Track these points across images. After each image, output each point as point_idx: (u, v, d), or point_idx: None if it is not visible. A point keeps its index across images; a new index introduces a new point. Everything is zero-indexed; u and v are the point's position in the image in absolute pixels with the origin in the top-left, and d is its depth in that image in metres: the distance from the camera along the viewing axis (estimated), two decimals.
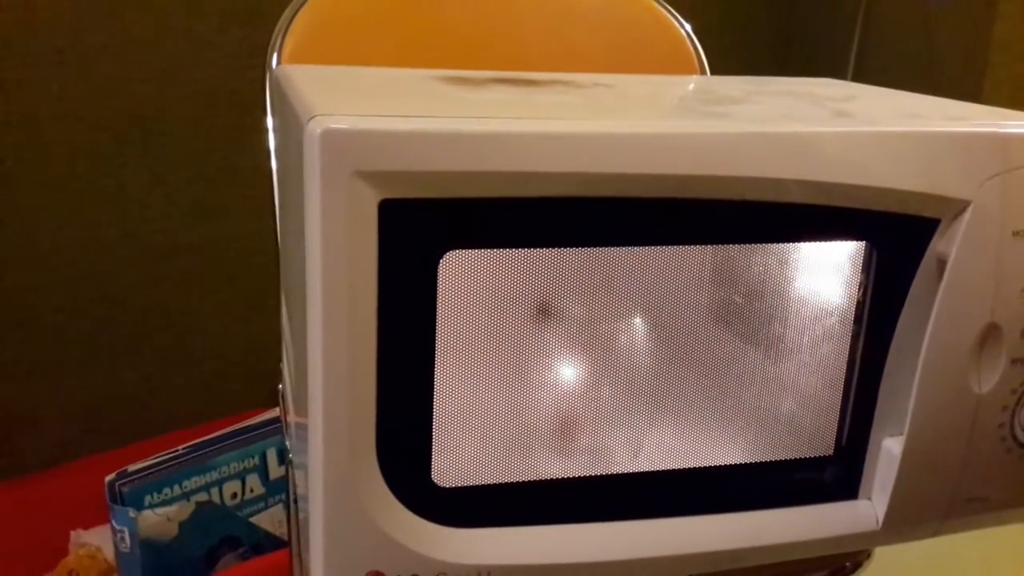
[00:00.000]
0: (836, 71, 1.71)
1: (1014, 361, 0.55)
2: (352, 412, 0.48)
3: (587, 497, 0.54)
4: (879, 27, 1.66)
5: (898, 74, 1.63)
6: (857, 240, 0.54)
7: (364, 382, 0.48)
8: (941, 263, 0.53)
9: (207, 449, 1.08)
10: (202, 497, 1.08)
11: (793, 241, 0.54)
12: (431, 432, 0.50)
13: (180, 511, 1.04)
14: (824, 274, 0.56)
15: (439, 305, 0.48)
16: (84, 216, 1.38)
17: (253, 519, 1.11)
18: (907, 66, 1.61)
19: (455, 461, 0.51)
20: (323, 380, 0.47)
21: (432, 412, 0.50)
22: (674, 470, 0.55)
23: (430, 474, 0.51)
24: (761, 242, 0.54)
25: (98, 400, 1.43)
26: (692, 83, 0.79)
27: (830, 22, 1.76)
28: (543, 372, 0.54)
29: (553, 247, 0.50)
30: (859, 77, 1.67)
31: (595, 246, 0.51)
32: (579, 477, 0.54)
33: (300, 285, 0.50)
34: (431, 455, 0.50)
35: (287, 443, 0.85)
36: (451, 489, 0.51)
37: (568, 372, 0.55)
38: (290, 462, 0.83)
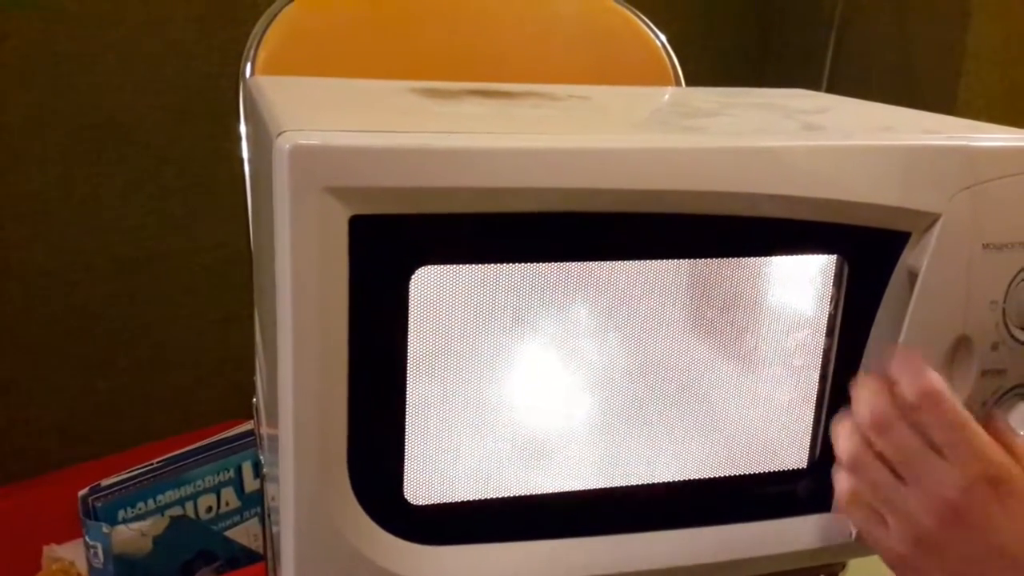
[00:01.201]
0: (811, 80, 1.72)
1: (984, 373, 0.55)
2: (323, 430, 0.47)
3: (559, 513, 0.54)
4: (854, 36, 1.67)
5: (873, 83, 1.64)
6: (829, 253, 0.54)
7: (335, 399, 0.47)
8: (912, 276, 0.53)
9: (182, 462, 1.07)
10: (177, 511, 1.07)
11: (766, 255, 0.55)
12: (403, 449, 0.50)
13: (154, 526, 1.03)
14: (796, 287, 0.56)
15: (411, 321, 0.48)
16: (57, 226, 1.36)
17: (228, 533, 1.10)
18: (882, 75, 1.63)
19: (427, 478, 0.51)
20: (294, 397, 0.47)
21: (404, 429, 0.50)
22: (647, 485, 0.55)
23: (402, 491, 0.50)
24: (734, 256, 0.54)
25: (71, 412, 1.41)
26: (667, 95, 0.79)
27: (806, 31, 1.78)
28: (516, 388, 0.54)
29: (526, 262, 0.50)
30: (834, 86, 1.69)
31: (569, 261, 0.51)
32: (551, 493, 0.54)
33: (271, 299, 0.49)
34: (403, 472, 0.50)
35: (261, 456, 0.84)
36: (423, 507, 0.51)
37: (541, 388, 0.54)
38: (264, 475, 0.82)
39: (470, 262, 0.49)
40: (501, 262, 0.50)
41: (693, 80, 0.98)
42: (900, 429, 0.47)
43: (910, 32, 1.55)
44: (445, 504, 0.52)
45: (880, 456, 0.48)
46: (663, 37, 0.98)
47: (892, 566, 0.49)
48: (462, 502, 0.52)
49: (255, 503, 1.12)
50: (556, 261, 0.50)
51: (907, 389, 0.47)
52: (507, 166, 0.46)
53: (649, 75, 0.97)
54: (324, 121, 0.48)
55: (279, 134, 0.44)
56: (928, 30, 1.52)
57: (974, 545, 0.46)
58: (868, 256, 0.54)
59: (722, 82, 0.85)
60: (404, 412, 0.49)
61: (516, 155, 0.46)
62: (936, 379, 0.47)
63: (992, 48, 1.48)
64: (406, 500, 0.51)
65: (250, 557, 1.11)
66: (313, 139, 0.43)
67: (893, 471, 0.48)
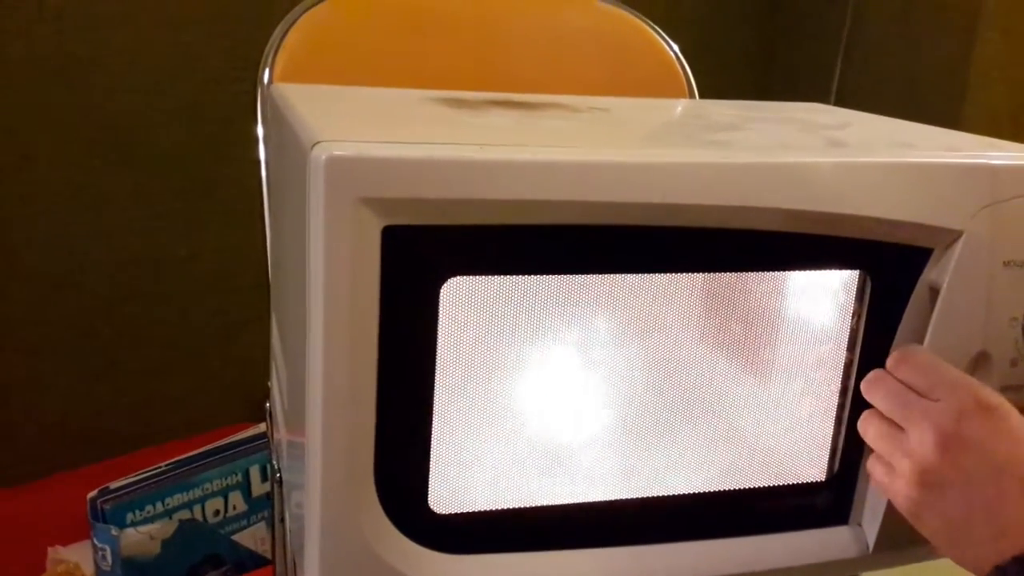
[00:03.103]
0: (820, 92, 1.73)
1: (1004, 389, 0.55)
2: (351, 438, 0.47)
3: (580, 524, 0.54)
4: (862, 49, 1.68)
5: (880, 96, 1.65)
6: (851, 269, 0.54)
7: (364, 408, 0.47)
8: (933, 292, 0.54)
9: (190, 466, 1.07)
10: (184, 515, 1.07)
11: (789, 269, 0.55)
12: (429, 459, 0.50)
13: (162, 529, 1.03)
14: (818, 302, 0.56)
15: (440, 331, 0.48)
16: (64, 228, 1.36)
17: (235, 537, 1.10)
18: (889, 88, 1.64)
19: (452, 488, 0.51)
20: (323, 406, 0.47)
21: (431, 439, 0.50)
22: (667, 496, 0.56)
23: (427, 501, 0.51)
24: (758, 270, 0.54)
25: (75, 414, 1.41)
26: (685, 108, 0.80)
27: (813, 44, 1.78)
28: (539, 398, 0.54)
29: (553, 274, 0.50)
30: (841, 99, 1.69)
31: (595, 273, 0.51)
32: (572, 504, 0.54)
33: (297, 306, 0.50)
34: (428, 482, 0.50)
35: (274, 461, 0.84)
36: (448, 516, 0.51)
37: (564, 399, 0.55)
38: (278, 480, 0.82)
39: (499, 273, 0.49)
40: (528, 273, 0.50)
41: (699, 90, 0.98)
42: (887, 381, 0.52)
43: (917, 46, 1.56)
44: (469, 513, 0.52)
45: (880, 414, 0.52)
46: (676, 47, 0.99)
47: (906, 513, 0.51)
48: (485, 511, 0.52)
49: (262, 507, 1.12)
50: (583, 273, 0.51)
51: (887, 362, 0.53)
52: (538, 179, 0.46)
53: (663, 85, 0.97)
54: (358, 132, 0.49)
55: (314, 144, 0.44)
56: (935, 44, 1.53)
57: (976, 470, 0.47)
58: (890, 272, 0.54)
59: (729, 93, 0.86)
60: (431, 421, 0.50)
61: (547, 168, 0.46)
62: (905, 347, 0.53)
63: (999, 64, 1.48)
64: (431, 509, 0.51)
65: (257, 561, 1.11)
66: (348, 150, 0.44)
67: (893, 424, 0.51)
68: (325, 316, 0.45)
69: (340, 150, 0.44)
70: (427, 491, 0.51)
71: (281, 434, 0.74)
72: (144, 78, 1.37)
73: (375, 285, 0.46)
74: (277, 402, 0.79)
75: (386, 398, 0.48)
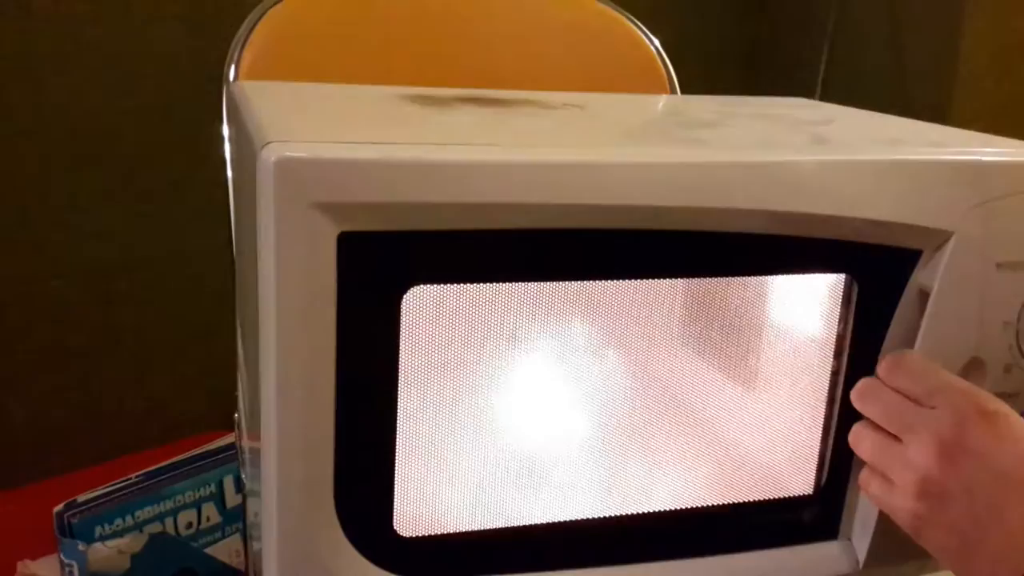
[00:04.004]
0: (805, 87, 1.70)
1: (997, 396, 0.53)
2: (308, 457, 0.45)
3: (557, 544, 0.51)
4: (847, 43, 1.66)
5: (866, 90, 1.63)
6: (837, 272, 0.52)
7: (321, 424, 0.45)
8: (924, 295, 0.52)
9: (161, 477, 1.04)
10: (156, 528, 1.03)
11: (771, 274, 0.52)
12: (393, 478, 0.47)
13: (132, 543, 1.00)
14: (803, 307, 0.54)
15: (402, 342, 0.46)
16: (32, 231, 1.33)
17: (209, 550, 1.07)
18: (875, 81, 1.62)
19: (418, 508, 0.49)
20: (277, 421, 0.44)
21: (394, 456, 0.47)
22: (648, 513, 0.53)
23: (392, 523, 0.48)
24: (738, 275, 0.52)
25: (46, 423, 1.37)
26: (663, 103, 0.77)
27: (798, 38, 1.76)
28: (512, 411, 0.51)
29: (523, 281, 0.48)
30: (827, 92, 1.67)
31: (567, 280, 0.48)
32: (549, 523, 0.51)
33: (254, 313, 0.47)
34: (392, 502, 0.48)
35: (243, 471, 0.82)
36: (414, 539, 0.48)
37: (537, 412, 0.52)
38: (247, 491, 0.79)
39: (464, 281, 0.46)
40: (496, 281, 0.47)
41: (682, 85, 0.96)
42: (880, 390, 0.50)
43: (904, 40, 1.54)
44: (436, 536, 0.49)
45: (874, 425, 0.49)
46: (657, 42, 0.96)
47: (908, 528, 0.48)
48: (454, 533, 0.50)
49: (237, 518, 1.09)
50: (554, 280, 0.48)
51: (879, 370, 0.51)
52: (504, 181, 0.43)
53: (643, 80, 0.95)
54: (311, 131, 0.46)
55: (264, 145, 0.41)
56: (921, 38, 1.51)
57: (977, 478, 0.45)
58: (878, 275, 0.52)
59: (712, 88, 0.83)
60: (394, 438, 0.47)
61: (514, 169, 0.44)
62: (897, 353, 0.51)
63: (986, 57, 1.47)
64: (395, 531, 0.48)
65: (232, 575, 1.08)
66: (300, 151, 0.41)
67: (889, 435, 0.49)
68: (278, 328, 0.43)
69: (291, 151, 0.41)
70: (392, 513, 0.48)
71: (244, 440, 0.71)
72: (114, 76, 1.33)
73: (331, 295, 0.43)
74: (242, 411, 0.76)
75: (345, 415, 0.45)
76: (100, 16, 1.31)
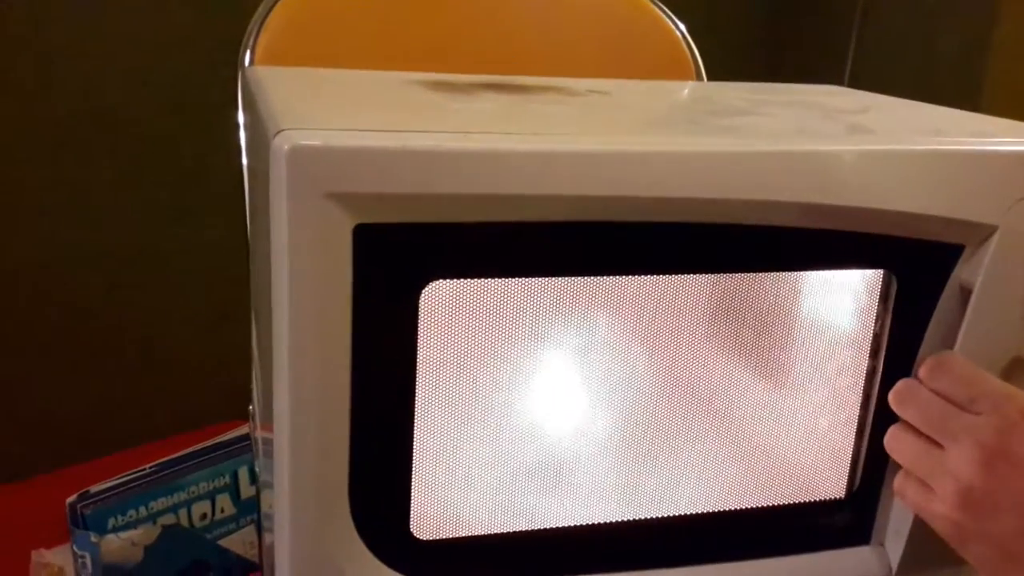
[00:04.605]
0: (832, 73, 1.67)
1: None
2: (322, 456, 0.43)
3: (578, 548, 0.50)
4: (876, 29, 1.62)
5: (895, 78, 1.59)
6: (875, 268, 0.50)
7: (336, 423, 0.43)
8: (965, 292, 0.49)
9: (175, 468, 1.03)
10: (169, 519, 1.02)
11: (806, 269, 0.50)
12: (409, 478, 0.46)
13: (146, 535, 0.99)
14: (839, 304, 0.52)
15: (420, 339, 0.44)
16: (46, 219, 1.32)
17: (223, 541, 1.06)
18: (905, 69, 1.58)
19: (436, 512, 0.47)
20: (290, 420, 0.42)
21: (411, 456, 0.45)
22: (672, 516, 0.51)
23: (408, 525, 0.46)
24: (771, 270, 0.50)
25: (60, 413, 1.37)
26: (691, 90, 0.75)
27: (825, 23, 1.73)
28: (533, 411, 0.49)
29: (545, 276, 0.46)
30: (855, 80, 1.64)
31: (592, 275, 0.46)
32: (570, 526, 0.49)
33: (267, 308, 0.45)
34: (409, 504, 0.46)
35: (256, 463, 0.80)
36: (431, 542, 0.47)
37: (560, 412, 0.50)
38: (260, 483, 0.78)
39: (484, 276, 0.45)
40: (517, 276, 0.45)
41: (708, 72, 0.93)
42: (922, 394, 0.48)
43: (935, 25, 1.51)
44: (454, 539, 0.48)
45: (913, 429, 0.48)
46: (683, 27, 0.94)
47: (948, 538, 0.46)
48: (472, 536, 0.48)
49: (251, 510, 1.08)
50: (578, 275, 0.46)
51: (919, 372, 0.49)
52: (527, 171, 0.41)
53: (669, 66, 0.92)
54: (326, 119, 0.44)
55: (277, 132, 0.39)
56: (954, 23, 1.48)
57: (1023, 488, 0.43)
58: (918, 271, 0.49)
59: (737, 75, 0.81)
60: (411, 438, 0.45)
61: (536, 159, 0.42)
62: (939, 354, 0.49)
63: (1019, 42, 1.43)
64: (412, 534, 0.46)
65: (245, 567, 1.07)
66: (314, 139, 0.39)
67: (929, 440, 0.47)
68: (291, 325, 0.41)
69: (305, 139, 0.39)
70: (408, 515, 0.46)
71: (258, 431, 0.70)
72: (127, 64, 1.32)
73: (347, 290, 0.41)
74: (256, 403, 0.75)
75: (361, 414, 0.43)
76: (114, 2, 1.29)
